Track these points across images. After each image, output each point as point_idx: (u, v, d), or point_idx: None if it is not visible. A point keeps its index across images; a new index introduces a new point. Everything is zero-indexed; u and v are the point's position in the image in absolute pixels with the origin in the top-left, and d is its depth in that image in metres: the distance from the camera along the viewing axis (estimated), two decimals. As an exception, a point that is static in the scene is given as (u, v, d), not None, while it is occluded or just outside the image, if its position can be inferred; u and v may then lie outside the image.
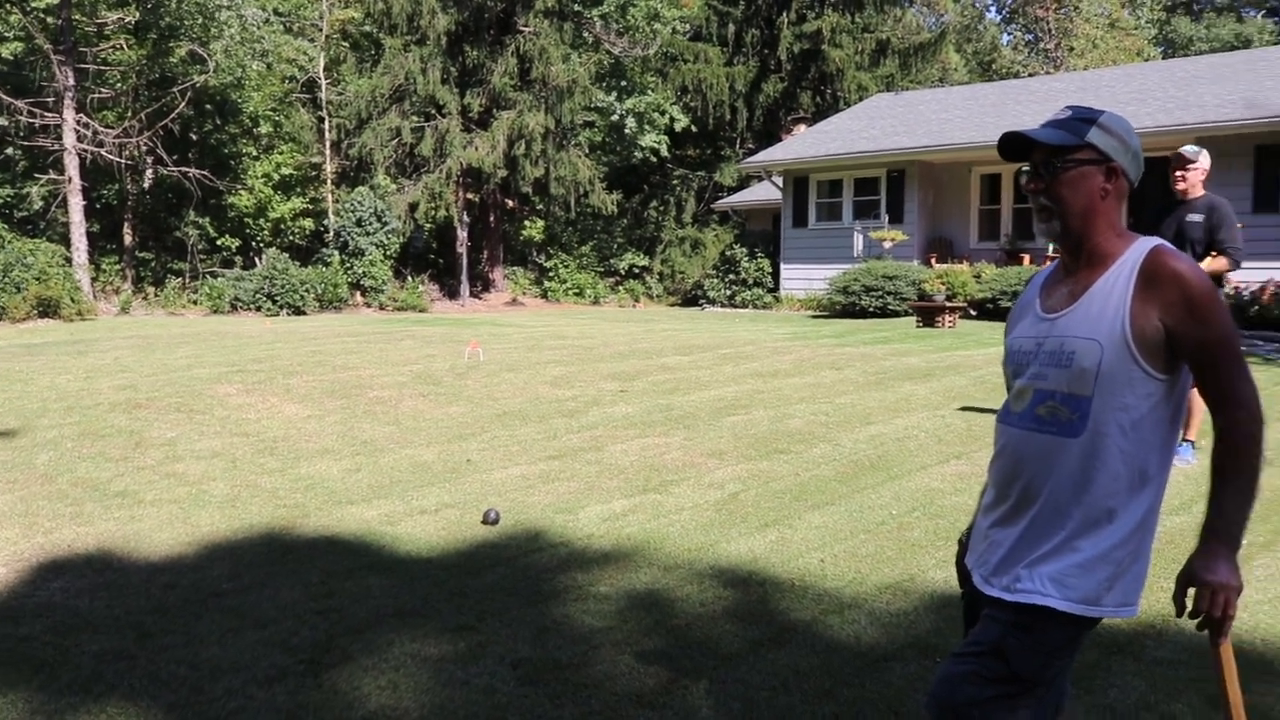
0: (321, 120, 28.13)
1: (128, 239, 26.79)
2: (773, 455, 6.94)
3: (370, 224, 25.14)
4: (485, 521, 5.54)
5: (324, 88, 27.79)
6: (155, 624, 4.15)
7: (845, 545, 5.10)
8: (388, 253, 25.86)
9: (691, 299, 27.88)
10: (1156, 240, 2.24)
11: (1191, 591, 2.12)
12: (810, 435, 7.52)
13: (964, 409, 8.46)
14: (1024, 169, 2.34)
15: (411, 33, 26.93)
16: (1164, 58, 49.32)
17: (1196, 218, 6.47)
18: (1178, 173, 6.59)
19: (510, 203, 32.25)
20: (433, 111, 27.83)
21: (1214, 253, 6.37)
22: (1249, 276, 16.62)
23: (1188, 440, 6.66)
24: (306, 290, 23.48)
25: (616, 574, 4.73)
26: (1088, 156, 2.24)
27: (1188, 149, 6.59)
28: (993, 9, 57.00)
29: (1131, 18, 55.82)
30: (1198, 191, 6.59)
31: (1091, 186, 2.25)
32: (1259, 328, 15.78)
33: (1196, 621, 2.11)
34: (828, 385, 9.59)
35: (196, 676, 3.66)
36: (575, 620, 4.18)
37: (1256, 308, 15.92)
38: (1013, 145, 2.31)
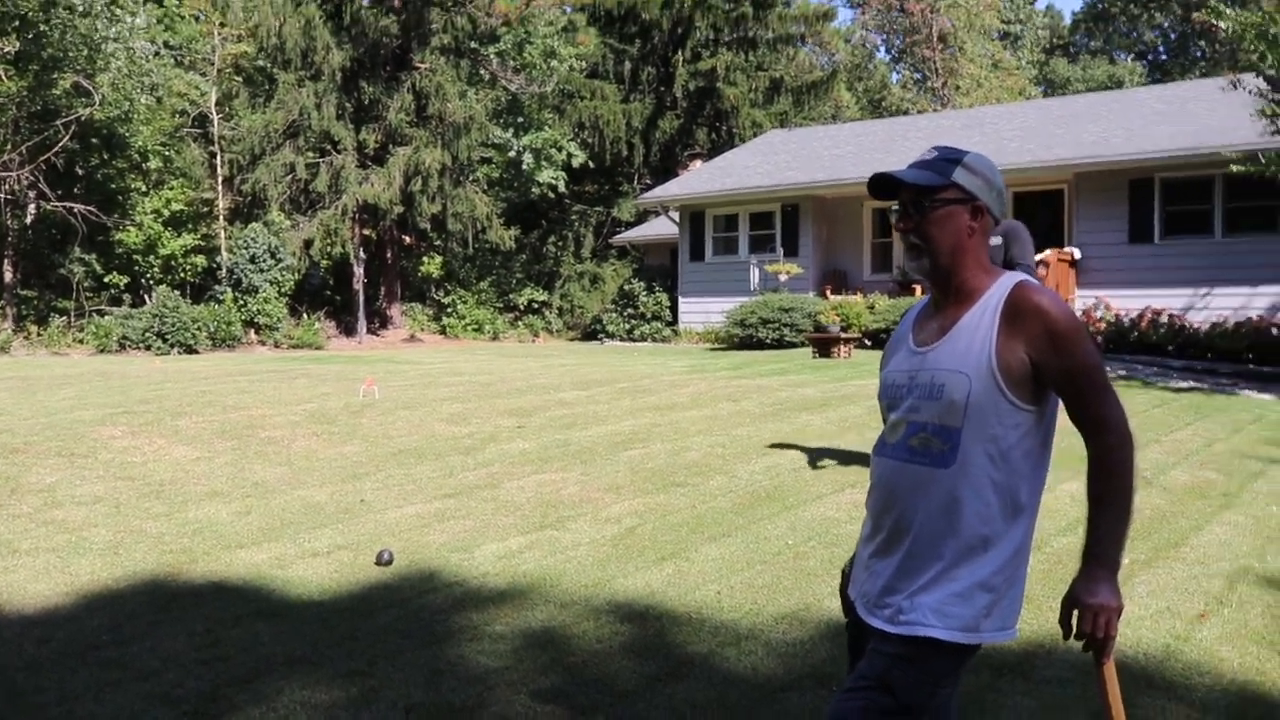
0: (213, 155, 27.56)
1: (8, 276, 25.87)
2: (670, 488, 6.96)
3: (264, 261, 24.68)
4: (379, 563, 5.45)
5: (216, 122, 27.25)
6: (27, 681, 3.99)
7: (742, 576, 5.13)
8: (282, 290, 25.39)
9: (591, 333, 27.91)
10: (1020, 275, 2.32)
11: (1075, 614, 2.19)
12: (707, 467, 7.57)
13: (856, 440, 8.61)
14: (894, 209, 2.40)
15: (306, 68, 26.63)
16: (1044, 96, 51.08)
17: (995, 241, 6.48)
18: None
19: (407, 239, 31.96)
20: (328, 147, 27.51)
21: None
22: (1128, 304, 17.25)
23: None
24: (198, 328, 22.92)
25: (512, 612, 4.69)
26: (954, 196, 2.31)
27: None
28: (882, 49, 58.50)
29: (1013, 58, 57.83)
30: None
31: (958, 225, 2.32)
32: (1139, 352, 16.35)
33: (1083, 643, 2.18)
34: (725, 417, 9.66)
35: (73, 732, 3.52)
36: (470, 661, 4.13)
37: (1136, 333, 16.50)
38: (882, 184, 2.37)
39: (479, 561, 5.49)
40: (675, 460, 7.79)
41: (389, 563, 5.45)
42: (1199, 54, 58.89)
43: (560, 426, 9.25)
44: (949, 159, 2.35)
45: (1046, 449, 2.30)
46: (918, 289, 19.63)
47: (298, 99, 26.17)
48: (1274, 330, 15.60)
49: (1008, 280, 2.29)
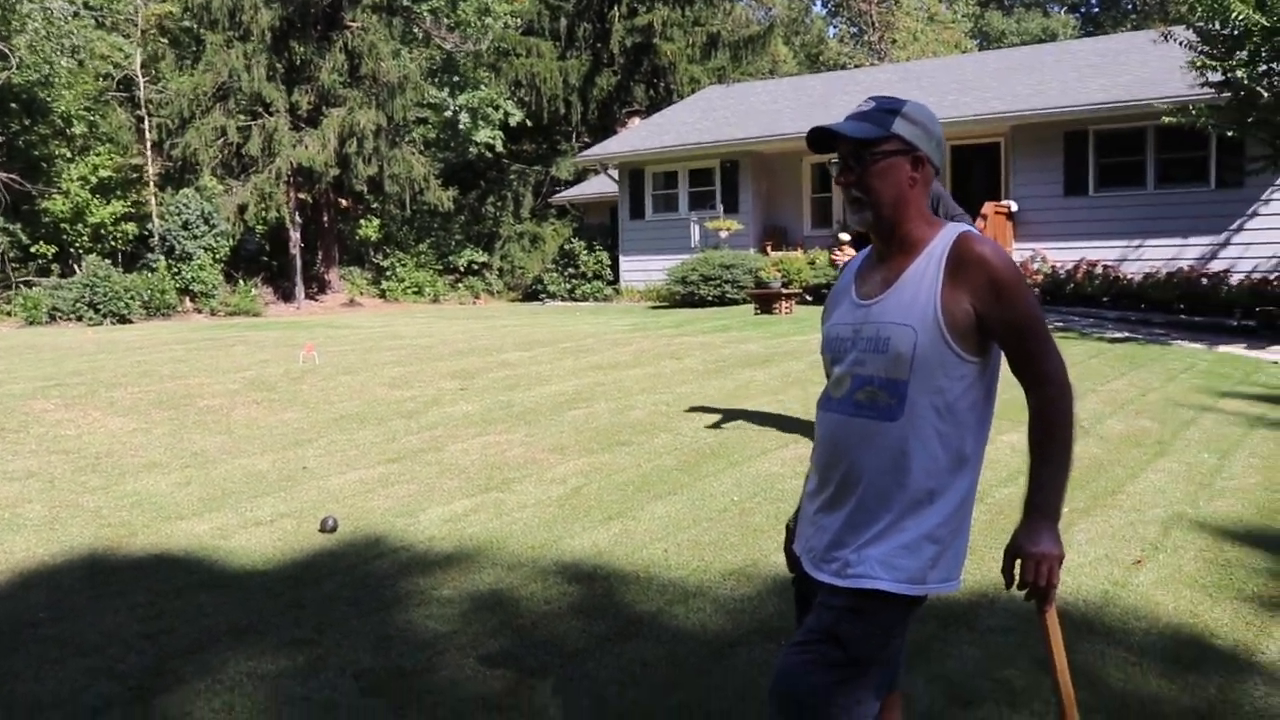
0: (141, 120, 26.93)
1: (-72, 249, 25.21)
2: (615, 447, 6.96)
3: (197, 227, 24.20)
4: (323, 530, 5.40)
5: (142, 86, 26.61)
6: (-34, 658, 3.91)
7: (689, 534, 5.16)
8: (217, 256, 24.94)
9: (532, 294, 27.77)
10: (964, 226, 2.31)
11: (1018, 564, 2.21)
12: (652, 425, 7.58)
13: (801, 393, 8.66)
14: (833, 161, 2.38)
15: (234, 28, 26.03)
16: (980, 49, 51.38)
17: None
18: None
19: (344, 202, 31.52)
20: (260, 110, 26.97)
21: None
22: (1064, 256, 17.48)
23: None
24: (132, 298, 22.46)
25: (459, 576, 4.67)
26: (894, 147, 2.29)
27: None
28: (819, 3, 58.44)
29: (949, 12, 57.98)
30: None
31: (900, 176, 2.30)
32: (1075, 303, 16.61)
33: (1025, 592, 2.20)
34: (668, 375, 9.67)
35: (11, 717, 3.45)
36: (418, 626, 4.11)
37: (1072, 285, 16.74)
38: (821, 138, 2.35)
39: (424, 526, 5.46)
40: (619, 419, 7.79)
41: (333, 529, 5.40)
42: (1130, 6, 59.53)
43: (503, 388, 9.21)
44: (887, 109, 2.33)
45: (990, 401, 2.32)
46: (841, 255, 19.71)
47: (226, 60, 25.61)
48: (1204, 280, 15.91)
49: (950, 231, 2.29)
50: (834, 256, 6.32)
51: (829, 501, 2.34)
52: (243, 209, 26.40)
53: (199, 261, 24.17)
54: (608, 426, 7.59)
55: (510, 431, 7.55)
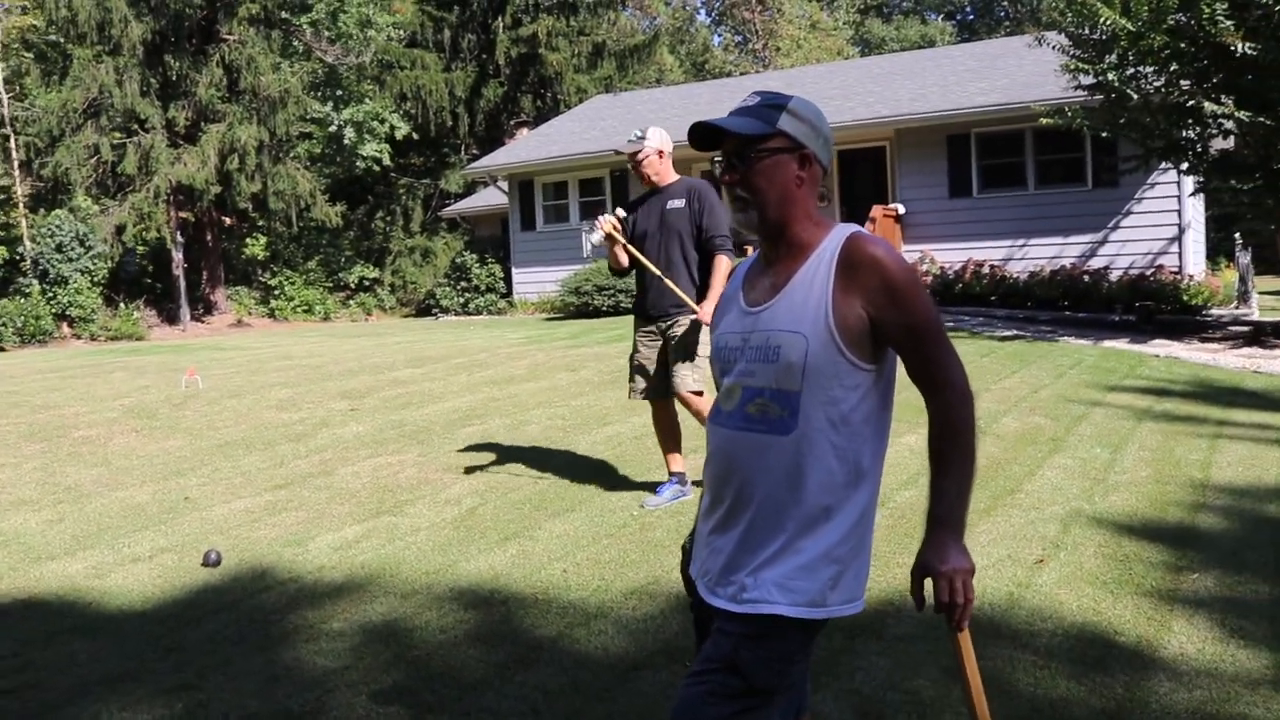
0: (7, 139, 25.85)
1: None
2: (511, 465, 6.79)
3: (72, 249, 23.28)
4: (205, 564, 5.14)
5: (5, 103, 25.53)
6: None
7: (588, 552, 5.02)
8: (95, 279, 24.01)
9: (425, 309, 27.36)
10: (854, 227, 2.21)
11: (928, 583, 2.09)
12: (548, 440, 7.42)
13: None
14: (716, 159, 2.26)
15: (103, 42, 25.12)
16: (861, 56, 52.30)
17: (678, 203, 5.76)
18: (638, 167, 5.87)
19: (229, 220, 30.69)
20: (135, 127, 26.11)
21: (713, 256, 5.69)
22: (952, 257, 17.78)
23: (675, 475, 5.91)
24: (3, 325, 21.51)
25: (350, 607, 4.46)
26: (780, 144, 2.18)
27: (633, 135, 5.84)
28: (703, 12, 58.88)
29: (830, 19, 58.99)
30: (671, 176, 5.88)
31: (786, 175, 2.19)
32: (964, 303, 16.90)
33: (941, 613, 2.07)
34: (564, 388, 9.52)
35: None
36: (307, 663, 3.90)
37: (960, 285, 17.03)
38: (704, 135, 2.23)
39: (314, 555, 5.23)
40: (515, 435, 7.62)
41: (217, 563, 5.14)
42: (1004, 14, 61.30)
43: (395, 407, 8.96)
44: (773, 104, 2.21)
45: (887, 409, 2.21)
46: (749, 249, 19.82)
47: (96, 76, 24.71)
48: (1086, 277, 16.33)
49: (840, 232, 2.18)
50: (593, 232, 5.81)
51: (722, 521, 2.22)
52: (120, 230, 25.51)
53: (75, 285, 23.26)
54: (503, 443, 7.41)
55: (402, 452, 7.33)
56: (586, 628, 4.10)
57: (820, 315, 2.09)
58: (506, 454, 7.10)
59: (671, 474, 5.87)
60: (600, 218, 5.77)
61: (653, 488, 6.01)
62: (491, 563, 4.94)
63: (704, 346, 5.61)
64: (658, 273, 5.67)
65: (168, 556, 5.33)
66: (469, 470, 6.71)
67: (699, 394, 5.67)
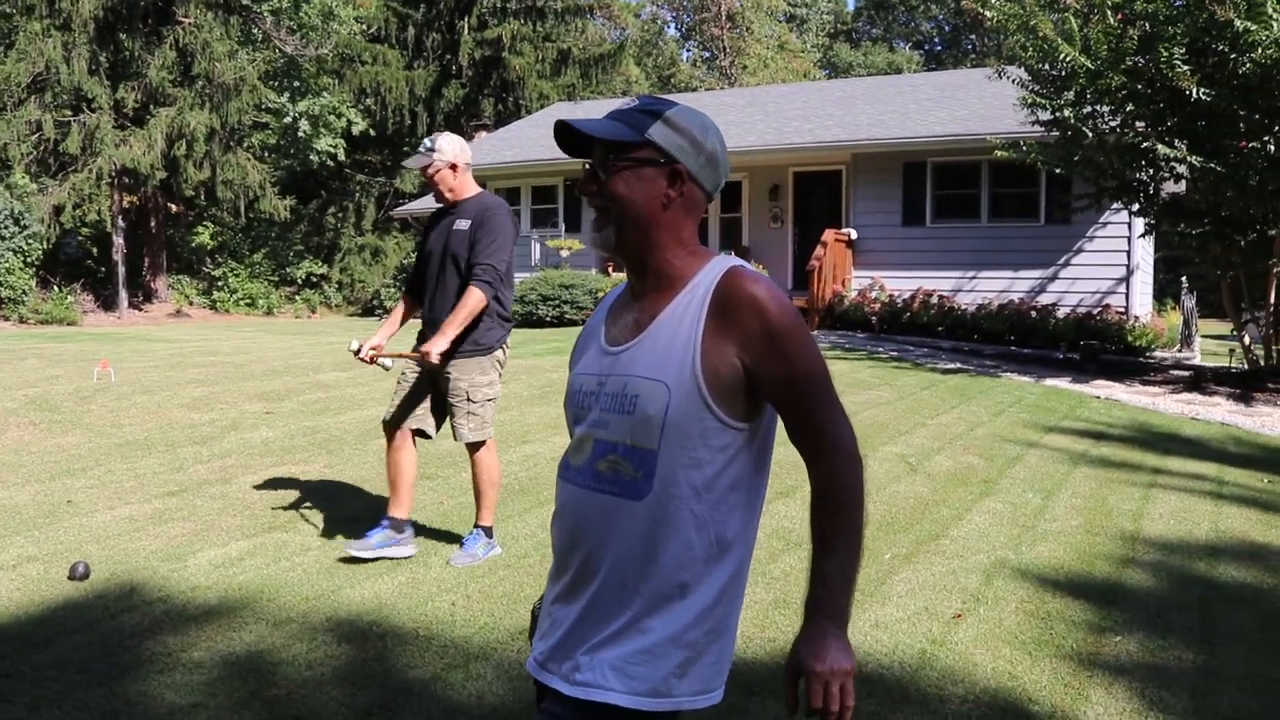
0: (-55, 111, 25.13)
1: None
2: (419, 481, 6.40)
3: (5, 227, 22.61)
4: (72, 577, 4.76)
5: (-54, 74, 24.80)
6: None
7: (482, 583, 4.70)
8: (29, 260, 23.34)
9: (371, 309, 26.90)
10: (734, 260, 1.91)
11: (801, 683, 1.71)
12: (462, 457, 7.03)
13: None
14: (585, 166, 1.96)
15: (53, 16, 24.43)
16: (828, 79, 52.44)
17: (463, 225, 5.00)
18: (431, 182, 5.10)
19: (174, 207, 30.04)
20: (81, 105, 25.45)
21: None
22: (902, 285, 17.65)
23: (393, 518, 5.11)
24: (-74, 301, 20.86)
25: (217, 634, 4.12)
26: (647, 156, 1.88)
27: (423, 145, 5.08)
28: (672, 26, 58.83)
29: (799, 41, 59.20)
30: (468, 191, 5.11)
31: (650, 192, 1.88)
32: (910, 332, 16.76)
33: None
34: (491, 402, 9.21)
35: None
36: (153, 698, 3.56)
37: (909, 314, 16.89)
38: (571, 138, 1.94)
39: (191, 572, 4.87)
40: (428, 449, 7.24)
41: (84, 577, 4.77)
42: (970, 46, 61.82)
43: (312, 412, 8.59)
44: (648, 110, 1.91)
45: (761, 474, 1.91)
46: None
47: (43, 50, 24.01)
48: (1033, 313, 16.24)
49: (718, 265, 1.89)
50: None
51: (567, 590, 1.91)
52: (59, 210, 24.81)
53: (7, 264, 22.58)
54: (416, 458, 7.06)
55: (309, 461, 6.97)
56: (465, 670, 3.79)
57: (686, 362, 1.80)
58: (417, 468, 6.76)
59: (478, 525, 5.15)
60: (365, 350, 5.02)
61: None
62: (378, 590, 4.61)
63: (487, 388, 5.00)
64: (414, 357, 4.95)
65: (33, 566, 4.95)
66: (373, 486, 6.37)
67: (481, 444, 5.02)
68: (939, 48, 65.14)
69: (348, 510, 5.90)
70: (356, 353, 5.04)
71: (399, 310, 5.31)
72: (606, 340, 1.96)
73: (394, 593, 4.58)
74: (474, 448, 5.07)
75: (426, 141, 5.04)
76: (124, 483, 6.45)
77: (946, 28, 65.05)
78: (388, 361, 5.11)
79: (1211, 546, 5.76)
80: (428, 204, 28.47)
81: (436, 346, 4.77)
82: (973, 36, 62.06)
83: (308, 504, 6.02)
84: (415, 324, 5.32)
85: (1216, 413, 10.35)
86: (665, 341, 1.83)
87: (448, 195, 5.07)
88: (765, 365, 1.79)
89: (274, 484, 6.42)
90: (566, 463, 1.96)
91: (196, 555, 5.11)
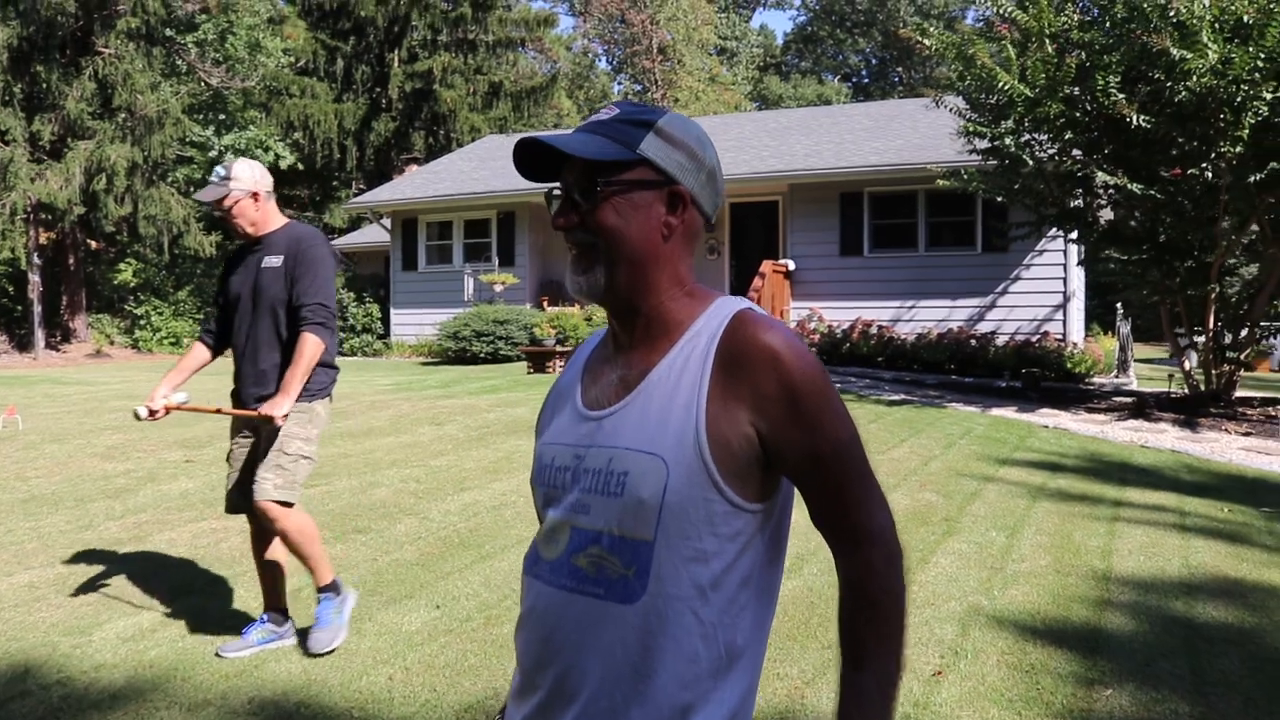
0: None
1: None
2: (349, 536, 6.02)
3: (-87, 267, 21.70)
4: (-41, 655, 4.28)
5: None
6: None
7: (422, 652, 4.29)
8: (-63, 299, 22.43)
9: (301, 346, 26.23)
10: (741, 302, 1.55)
11: None
12: (396, 507, 6.66)
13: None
14: (553, 192, 1.58)
15: (-37, 47, 23.64)
16: (759, 112, 52.76)
17: (274, 261, 4.29)
18: (228, 217, 4.32)
19: (95, 244, 29.16)
20: (-6, 138, 24.59)
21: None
22: (840, 316, 17.50)
23: (274, 613, 4.44)
24: None
25: (122, 721, 3.67)
26: (641, 177, 1.52)
27: (215, 173, 4.34)
28: (604, 59, 58.86)
29: (729, 74, 59.57)
30: (273, 223, 4.40)
31: (649, 221, 1.52)
32: (850, 363, 16.60)
33: None
34: (425, 445, 8.77)
35: None
36: (45, 803, 3.11)
37: (848, 344, 16.73)
38: (536, 158, 1.57)
39: (97, 648, 4.40)
40: (360, 499, 6.84)
41: (-26, 654, 4.29)
42: (896, 79, 62.70)
43: (236, 459, 8.11)
44: (634, 120, 1.55)
45: (776, 563, 1.55)
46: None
47: (-47, 82, 23.19)
48: (973, 341, 16.17)
49: (723, 308, 1.53)
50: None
51: (537, 714, 1.52)
52: (-33, 246, 23.89)
53: (-86, 305, 21.65)
54: (345, 509, 6.63)
55: (230, 517, 6.46)
56: (404, 756, 3.40)
57: (688, 430, 1.44)
58: (347, 522, 6.33)
59: (322, 589, 4.37)
60: (158, 404, 4.18)
61: (506, 570, 5.31)
62: (306, 665, 4.17)
63: (304, 444, 4.25)
64: (252, 415, 4.16)
65: (-82, 642, 4.46)
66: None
67: (287, 505, 4.19)
68: (866, 80, 65.96)
69: (272, 569, 5.44)
70: (150, 414, 4.15)
71: (191, 358, 4.48)
72: (585, 402, 1.58)
73: (325, 665, 4.16)
74: (270, 515, 4.15)
75: (219, 169, 4.33)
76: (26, 544, 5.93)
77: (874, 60, 65.95)
78: (142, 412, 4.16)
79: (1186, 584, 5.52)
80: (355, 240, 27.96)
81: (280, 406, 4.04)
82: (899, 69, 62.97)
83: (229, 564, 5.55)
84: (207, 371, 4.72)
85: (1165, 440, 10.23)
86: (661, 404, 1.47)
87: (249, 230, 4.31)
88: (785, 434, 1.44)
89: (193, 542, 5.95)
90: (536, 555, 1.58)
91: (103, 628, 4.63)
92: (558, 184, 1.56)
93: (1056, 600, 5.14)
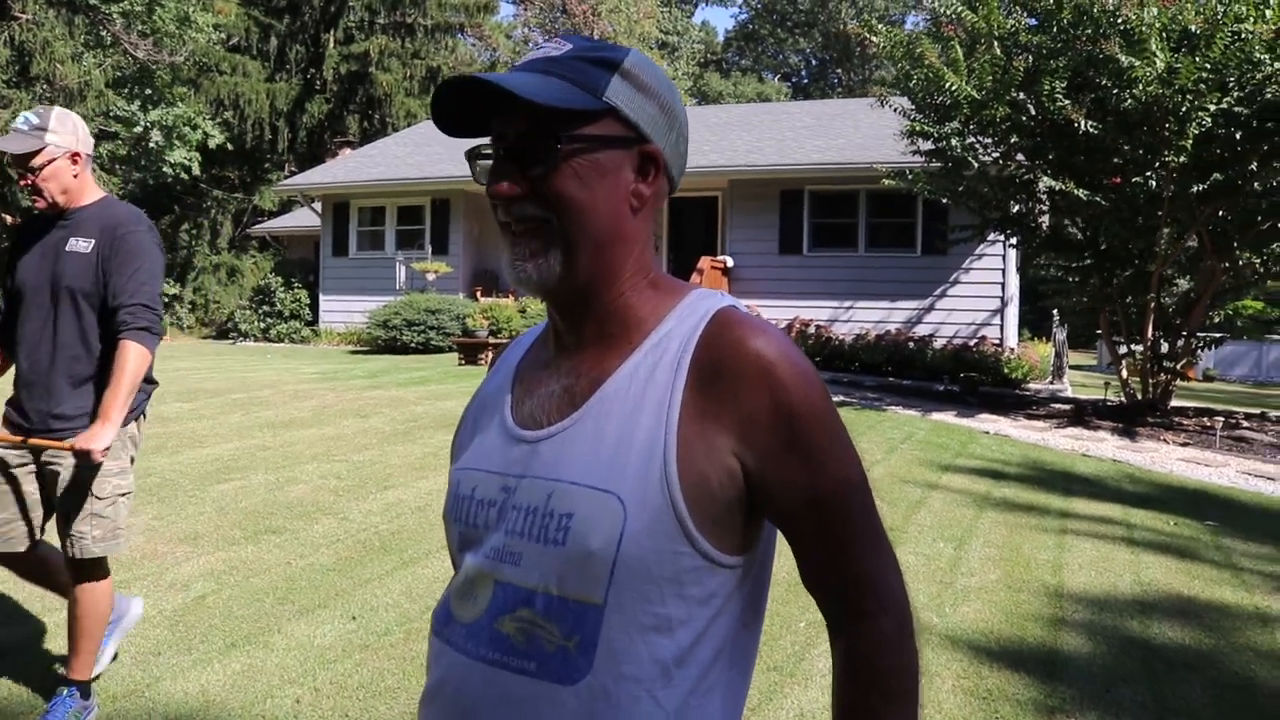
0: None
1: None
2: (262, 536, 5.61)
3: None
4: None
5: None
6: None
7: (334, 670, 3.92)
8: None
9: (226, 331, 25.53)
10: (722, 299, 1.22)
11: None
12: (314, 506, 6.26)
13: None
14: (482, 151, 1.21)
15: None
16: (698, 106, 52.61)
17: (82, 245, 3.36)
18: (34, 177, 3.33)
19: (9, 218, 28.09)
20: (-98, 107, 23.53)
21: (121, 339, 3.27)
22: (778, 314, 17.30)
23: (75, 684, 3.42)
24: None
25: (-8, 747, 3.27)
26: (608, 131, 1.17)
27: (21, 120, 3.38)
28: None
29: (670, 68, 59.31)
30: (88, 195, 3.48)
31: (616, 191, 1.18)
32: (787, 365, 16.38)
33: None
34: (348, 438, 8.35)
35: None
36: None
37: (785, 346, 16.52)
38: (465, 101, 1.18)
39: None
40: (276, 496, 6.42)
41: None
42: (836, 80, 62.97)
43: (146, 451, 7.62)
44: (596, 58, 1.19)
45: (754, 625, 1.22)
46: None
47: None
48: (911, 344, 16.06)
49: (698, 305, 1.20)
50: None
51: None
52: (-128, 219, 22.87)
53: None
54: (260, 506, 6.21)
55: (135, 512, 6.04)
56: (309, 793, 3.04)
57: (654, 462, 1.10)
58: (261, 521, 5.92)
59: (71, 682, 3.41)
60: None
61: (429, 577, 4.95)
62: (206, 682, 3.78)
63: (119, 478, 3.40)
64: (59, 447, 3.26)
65: None
66: (208, 542, 5.51)
67: (99, 564, 3.45)
68: (806, 80, 66.16)
69: (175, 574, 5.02)
70: None
71: None
72: (517, 419, 1.23)
73: (226, 684, 3.77)
74: (87, 570, 3.40)
75: (28, 116, 3.36)
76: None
77: (814, 61, 66.15)
78: None
79: (1139, 602, 5.33)
80: (286, 223, 27.28)
81: (100, 438, 3.15)
82: (839, 71, 63.23)
83: (127, 566, 5.12)
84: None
85: (1105, 448, 10.13)
86: (618, 425, 1.13)
87: (58, 199, 3.36)
88: (778, 469, 1.12)
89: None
90: (448, 613, 1.23)
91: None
92: (487, 141, 1.20)
93: (1010, 619, 4.91)
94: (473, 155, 1.21)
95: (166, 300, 29.63)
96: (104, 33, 28.03)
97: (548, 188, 1.14)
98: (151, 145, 28.78)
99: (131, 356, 3.23)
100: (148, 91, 28.93)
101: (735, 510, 1.12)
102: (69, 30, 25.40)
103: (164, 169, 29.59)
